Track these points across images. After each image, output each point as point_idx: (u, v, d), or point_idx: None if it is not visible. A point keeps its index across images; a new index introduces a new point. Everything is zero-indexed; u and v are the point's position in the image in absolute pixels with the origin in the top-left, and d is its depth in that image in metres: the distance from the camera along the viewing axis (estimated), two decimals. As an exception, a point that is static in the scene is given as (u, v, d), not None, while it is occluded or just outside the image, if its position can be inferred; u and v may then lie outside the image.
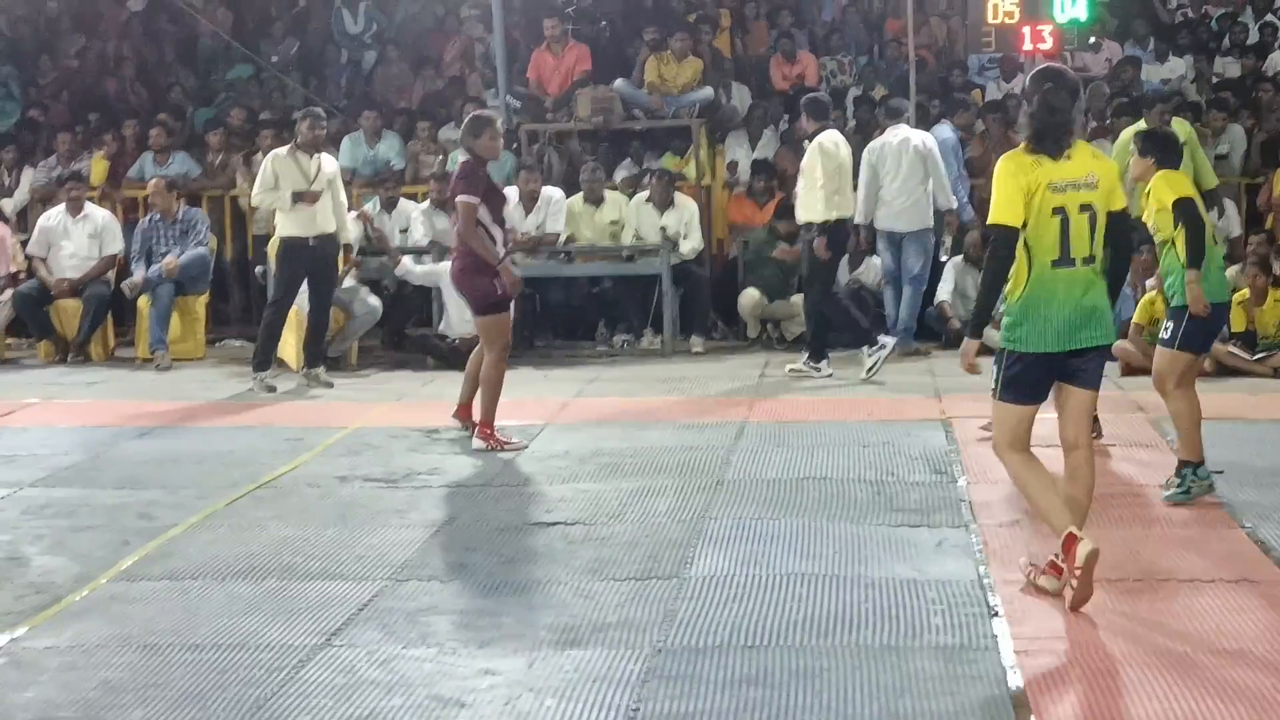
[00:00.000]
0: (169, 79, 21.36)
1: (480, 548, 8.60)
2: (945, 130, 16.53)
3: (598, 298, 17.08)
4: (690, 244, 16.45)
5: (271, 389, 13.95)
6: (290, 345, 14.81)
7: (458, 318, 14.71)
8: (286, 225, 14.15)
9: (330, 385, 14.16)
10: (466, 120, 11.63)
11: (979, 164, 16.79)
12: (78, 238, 16.68)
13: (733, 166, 18.20)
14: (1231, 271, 13.61)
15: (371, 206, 16.51)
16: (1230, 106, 17.68)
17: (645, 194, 16.77)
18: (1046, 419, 7.72)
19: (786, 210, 16.10)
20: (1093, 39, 19.72)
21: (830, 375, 14.20)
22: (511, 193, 16.34)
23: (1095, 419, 10.97)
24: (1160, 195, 9.33)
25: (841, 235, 14.37)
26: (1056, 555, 7.48)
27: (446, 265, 12.83)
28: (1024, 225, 7.36)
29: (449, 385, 12.29)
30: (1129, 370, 13.65)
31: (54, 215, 16.87)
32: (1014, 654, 6.71)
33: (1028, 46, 16.88)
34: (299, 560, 8.43)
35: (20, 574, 8.30)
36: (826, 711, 6.14)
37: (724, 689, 6.39)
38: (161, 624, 7.40)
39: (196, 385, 14.59)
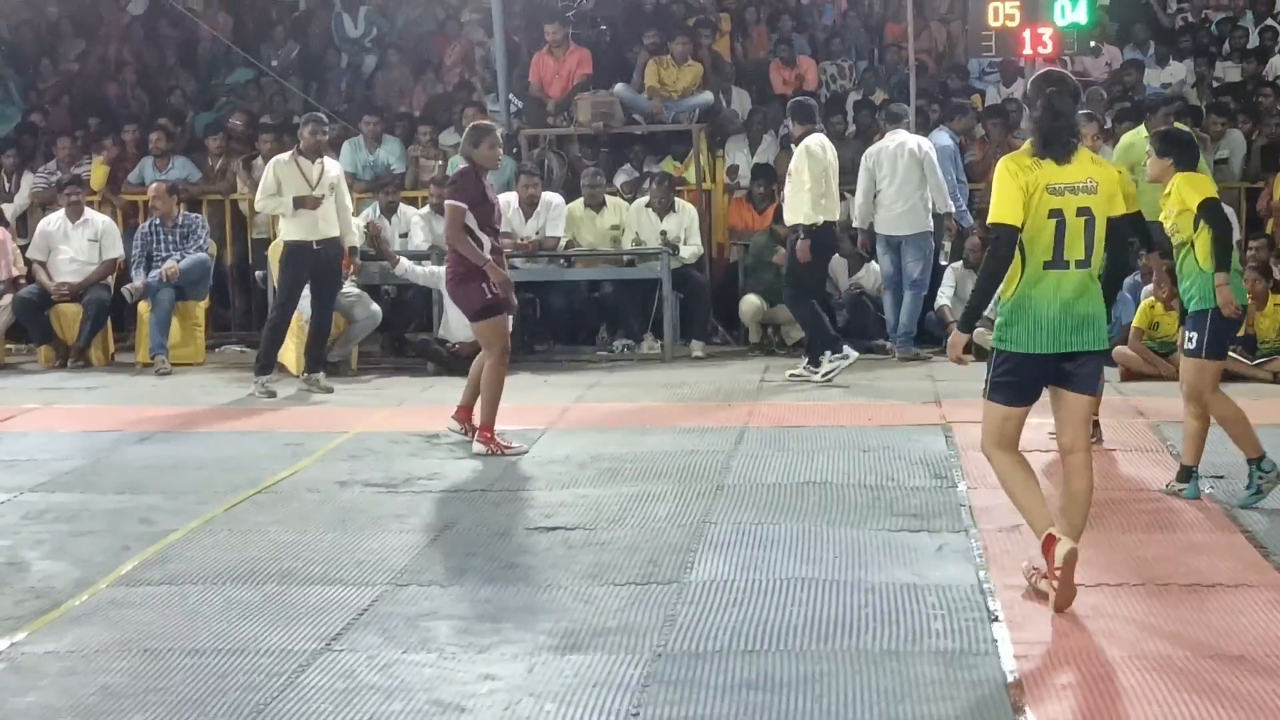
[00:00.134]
0: (169, 83, 21.35)
1: (480, 552, 8.60)
2: (944, 137, 16.53)
3: (598, 302, 17.09)
4: (690, 249, 16.46)
5: (271, 394, 13.96)
6: (290, 350, 14.82)
7: (458, 323, 14.69)
8: (290, 230, 14.18)
9: (330, 390, 14.16)
10: (467, 129, 11.68)
11: (979, 168, 16.80)
12: (78, 242, 16.68)
13: (733, 171, 18.20)
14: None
15: (371, 211, 16.50)
16: (1230, 111, 17.69)
17: (645, 199, 16.77)
18: (1046, 423, 7.72)
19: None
20: (1093, 43, 19.71)
21: (826, 378, 14.18)
22: (511, 198, 16.38)
23: (1096, 424, 10.99)
24: (1184, 196, 9.29)
25: (827, 238, 14.36)
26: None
27: (446, 268, 12.84)
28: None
29: (449, 390, 12.29)
30: (1129, 375, 13.66)
31: (54, 220, 16.87)
32: (1014, 659, 6.71)
33: (1028, 50, 16.86)
34: (299, 565, 8.43)
35: (20, 579, 8.29)
36: (827, 716, 6.14)
37: (724, 694, 6.39)
38: (161, 629, 7.40)
39: (196, 390, 14.59)
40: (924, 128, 17.17)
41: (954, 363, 7.77)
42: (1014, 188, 7.38)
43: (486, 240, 11.30)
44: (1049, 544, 7.31)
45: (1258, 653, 6.76)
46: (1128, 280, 13.67)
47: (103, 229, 16.84)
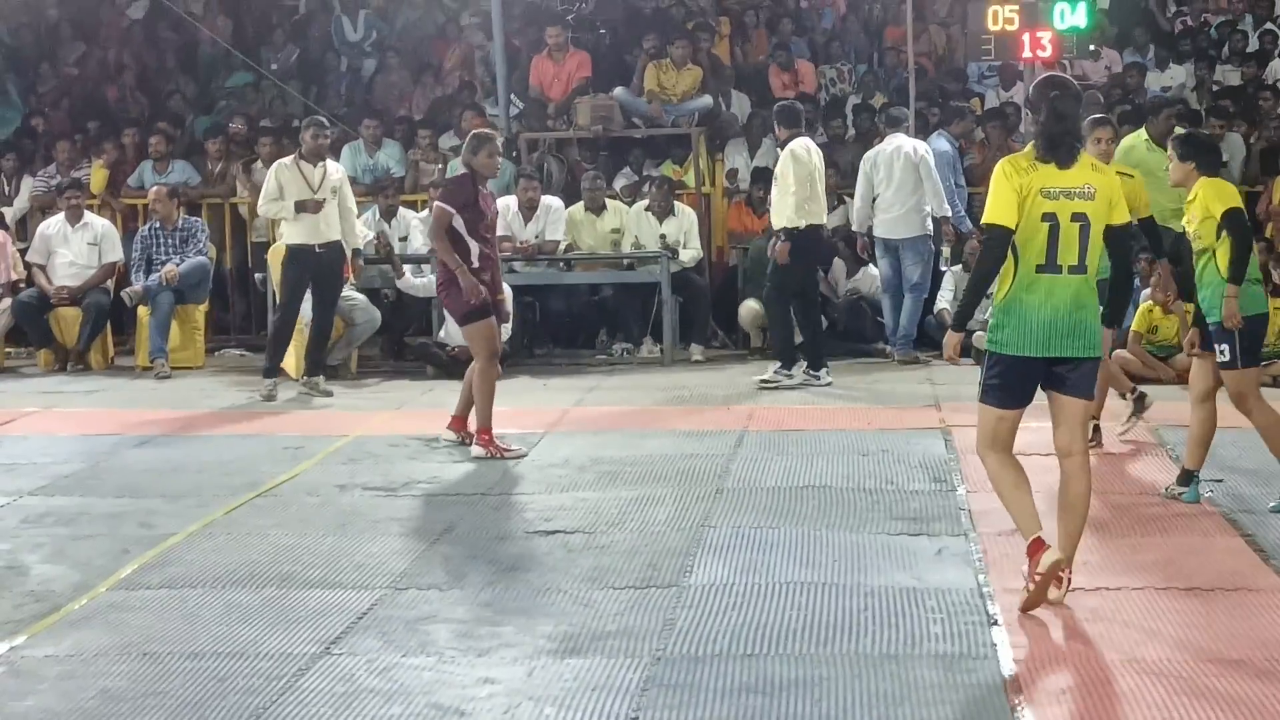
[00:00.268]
0: (169, 87, 21.33)
1: (480, 556, 8.60)
2: (942, 143, 16.53)
3: (597, 306, 17.08)
4: (690, 252, 16.46)
5: (271, 398, 13.95)
6: (290, 354, 14.81)
7: (457, 327, 14.70)
8: (291, 233, 14.19)
9: (330, 394, 14.16)
10: (468, 136, 11.76)
11: (979, 171, 16.79)
12: (77, 246, 16.68)
13: (732, 174, 18.19)
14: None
15: (371, 214, 16.50)
16: (1229, 114, 17.68)
17: (645, 202, 16.77)
18: (1048, 426, 7.72)
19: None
20: (1092, 47, 19.70)
21: (799, 385, 14.17)
22: (510, 201, 16.38)
23: (1097, 428, 11.00)
24: (1209, 204, 9.26)
25: (811, 242, 14.33)
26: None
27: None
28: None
29: (448, 394, 12.29)
30: (1129, 378, 13.63)
31: (53, 223, 16.87)
32: (1013, 663, 6.72)
33: (1027, 54, 16.85)
34: (298, 569, 8.43)
35: (20, 582, 8.30)
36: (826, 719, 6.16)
37: (723, 697, 6.39)
38: (161, 632, 7.40)
39: (196, 394, 14.58)
40: (923, 131, 17.18)
41: (948, 361, 7.80)
42: (1008, 189, 7.39)
43: (475, 246, 11.36)
44: (1036, 548, 7.34)
45: (1257, 656, 6.76)
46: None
47: (102, 232, 16.84)
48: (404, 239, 16.50)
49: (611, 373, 15.54)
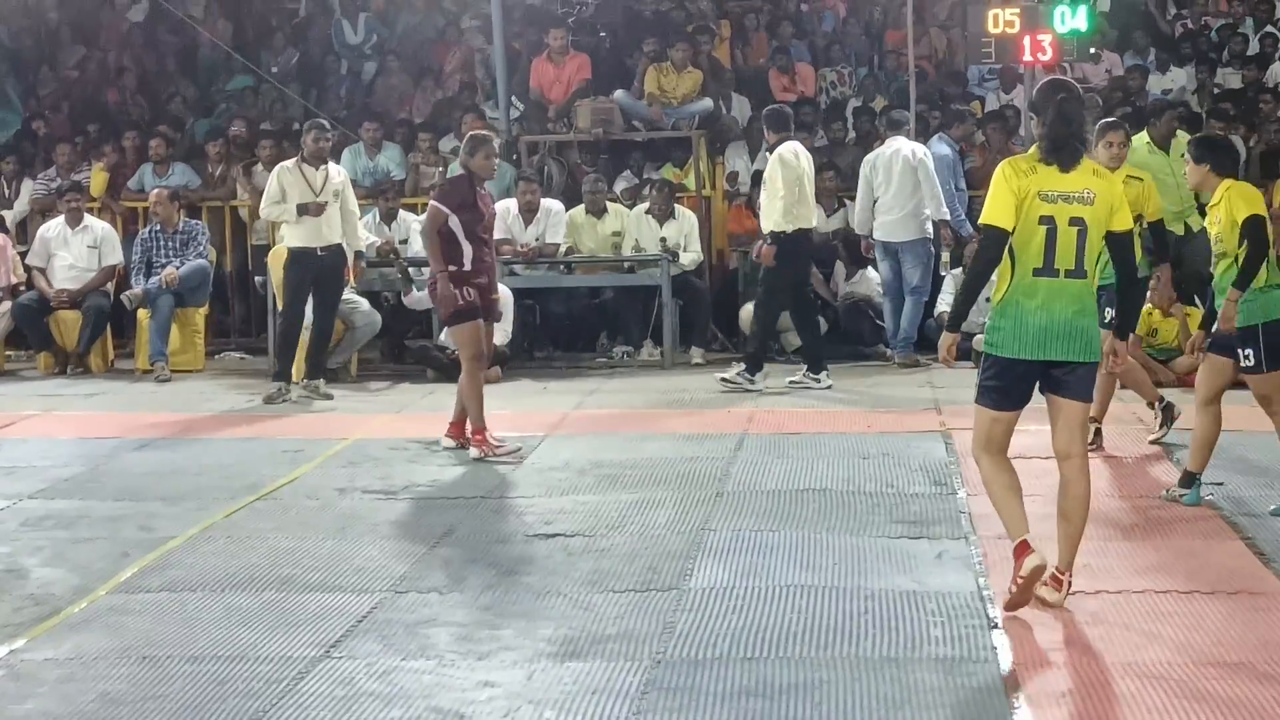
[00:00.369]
0: (169, 90, 21.35)
1: (479, 559, 8.60)
2: (942, 147, 16.53)
3: (598, 309, 17.08)
4: (690, 255, 16.45)
5: (273, 400, 13.96)
6: (290, 358, 14.82)
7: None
8: (293, 236, 14.20)
9: (330, 397, 14.15)
10: (466, 138, 11.83)
11: (980, 174, 16.79)
12: (77, 249, 16.67)
13: (733, 178, 18.19)
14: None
15: (371, 218, 16.50)
16: (1229, 117, 17.67)
17: (645, 205, 16.77)
18: (1045, 430, 7.71)
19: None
20: (1092, 50, 19.71)
21: (759, 391, 14.16)
22: (510, 204, 16.39)
23: (1098, 430, 10.99)
24: (1234, 209, 9.26)
25: (799, 246, 14.30)
26: (1057, 567, 7.51)
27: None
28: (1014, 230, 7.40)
29: (448, 397, 12.28)
30: (1128, 382, 13.62)
31: (53, 226, 16.86)
32: (1013, 666, 6.72)
33: (1027, 57, 16.84)
34: (298, 572, 8.43)
35: (19, 586, 8.29)
36: (826, 723, 6.16)
37: (723, 701, 6.39)
38: (160, 636, 7.40)
39: (196, 397, 14.58)
40: (924, 134, 17.18)
41: (942, 362, 7.80)
42: (1006, 191, 7.39)
43: (469, 248, 11.40)
44: (1021, 550, 7.35)
45: (1257, 660, 6.75)
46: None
47: (102, 235, 16.84)
48: (404, 242, 16.49)
49: (612, 376, 15.53)
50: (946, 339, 7.75)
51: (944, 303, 15.85)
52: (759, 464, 10.98)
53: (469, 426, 11.50)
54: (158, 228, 16.52)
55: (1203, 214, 14.02)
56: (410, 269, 15.76)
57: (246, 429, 12.90)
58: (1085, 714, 6.23)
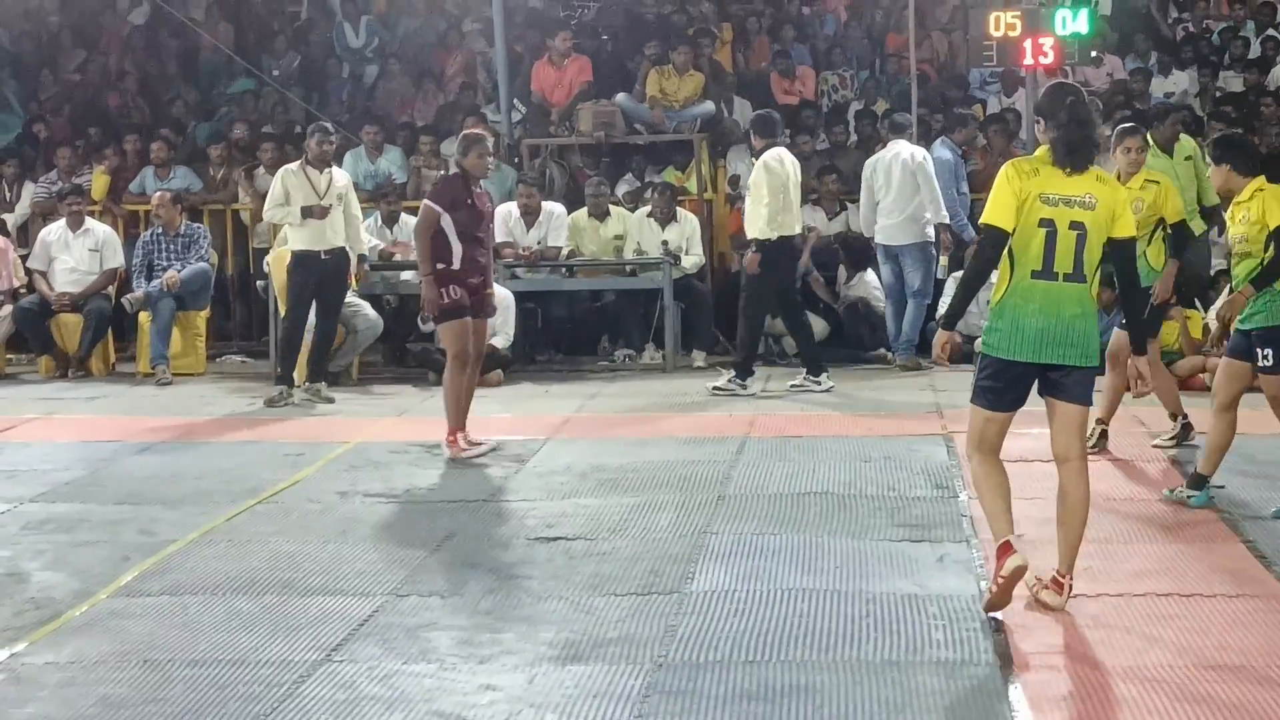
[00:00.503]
0: (170, 93, 21.36)
1: (481, 563, 8.59)
2: (943, 151, 16.53)
3: (600, 312, 17.08)
4: (692, 258, 16.45)
5: (274, 403, 13.95)
6: (290, 361, 14.83)
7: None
8: (297, 240, 14.21)
9: (331, 400, 14.15)
10: (460, 137, 11.88)
11: (981, 177, 16.79)
12: (78, 252, 16.68)
13: (734, 181, 18.17)
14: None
15: (373, 221, 16.51)
16: (1231, 120, 17.65)
17: (647, 208, 16.77)
18: (1047, 433, 7.71)
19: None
20: (1094, 53, 19.70)
21: (752, 395, 14.15)
22: (513, 208, 16.39)
23: (1104, 432, 10.99)
24: (1268, 213, 9.24)
25: (783, 253, 14.28)
26: (1058, 570, 7.51)
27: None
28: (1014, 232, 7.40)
29: (450, 400, 12.28)
30: (1129, 385, 13.61)
31: (55, 229, 16.87)
32: (1015, 669, 6.71)
33: (1029, 61, 16.84)
34: (299, 576, 8.42)
35: (20, 589, 8.29)
36: (827, 727, 6.15)
37: (725, 704, 6.38)
38: (161, 640, 7.39)
39: (197, 400, 14.58)
40: (925, 138, 17.18)
41: (936, 360, 7.80)
42: (1008, 192, 7.39)
43: (460, 247, 11.46)
44: (1004, 551, 7.36)
45: (1258, 663, 6.75)
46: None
47: (103, 239, 16.84)
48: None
49: (613, 379, 15.53)
50: (941, 336, 7.74)
51: (945, 306, 15.84)
52: (760, 467, 10.97)
53: (473, 431, 11.55)
54: (159, 231, 16.52)
55: (1204, 217, 14.06)
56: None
57: (248, 432, 12.90)
58: (1086, 717, 6.22)
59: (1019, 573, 7.30)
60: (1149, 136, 14.60)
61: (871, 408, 13.45)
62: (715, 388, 14.24)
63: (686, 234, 16.50)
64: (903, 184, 15.56)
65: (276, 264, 15.19)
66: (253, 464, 11.47)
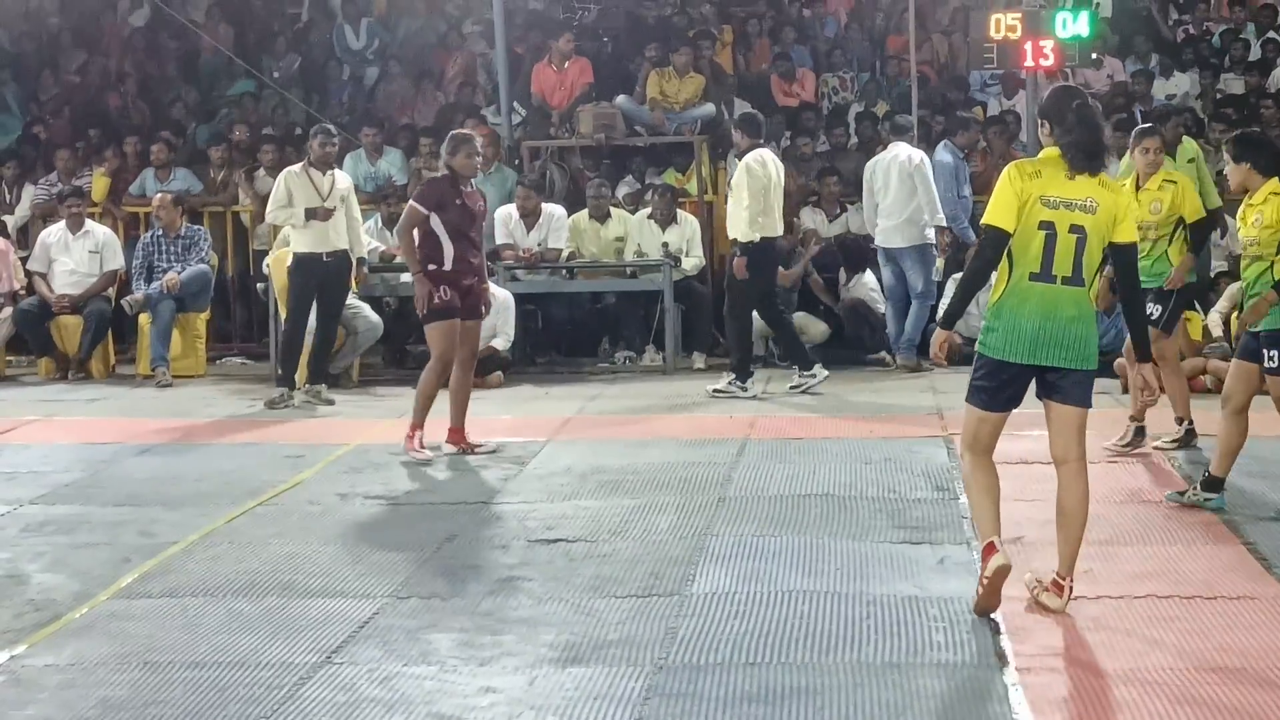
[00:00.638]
0: (171, 95, 21.35)
1: (481, 565, 8.59)
2: (944, 154, 16.54)
3: (600, 314, 17.08)
4: (692, 260, 16.45)
5: (275, 405, 13.95)
6: (290, 363, 14.82)
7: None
8: (299, 242, 14.20)
9: (332, 402, 14.15)
10: (447, 137, 11.92)
11: (981, 180, 16.79)
12: (78, 254, 16.68)
13: (735, 183, 18.18)
14: (1235, 288, 13.59)
15: (373, 223, 16.50)
16: (1231, 121, 17.65)
17: (647, 210, 16.77)
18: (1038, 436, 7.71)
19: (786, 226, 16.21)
20: (1094, 55, 19.70)
21: (754, 397, 14.15)
22: (513, 210, 16.40)
23: (1140, 430, 10.94)
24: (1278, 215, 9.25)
25: (765, 255, 14.28)
26: (1058, 573, 7.51)
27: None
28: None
29: (449, 402, 12.26)
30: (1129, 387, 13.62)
31: (54, 231, 16.87)
32: (1016, 671, 6.71)
33: (1029, 63, 16.84)
34: (299, 578, 8.42)
35: (20, 591, 8.28)
36: (828, 729, 6.15)
37: (725, 706, 6.38)
38: (161, 642, 7.38)
39: (197, 402, 14.58)
40: (925, 140, 17.18)
41: (934, 359, 7.80)
42: (1010, 193, 7.39)
43: (451, 248, 11.48)
44: (988, 552, 7.38)
45: (1259, 665, 6.75)
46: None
47: (103, 240, 16.84)
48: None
49: (613, 381, 15.53)
50: (940, 336, 7.75)
51: (944, 307, 15.84)
52: (761, 469, 10.97)
53: (471, 435, 11.56)
54: (159, 232, 16.52)
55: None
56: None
57: (248, 434, 12.89)
58: (1086, 719, 6.22)
59: (1002, 572, 7.30)
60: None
61: (872, 410, 13.45)
62: (715, 390, 14.24)
63: (687, 236, 16.51)
64: (900, 186, 15.57)
65: (276, 266, 15.19)
66: (253, 466, 11.47)
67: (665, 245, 16.29)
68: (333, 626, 7.51)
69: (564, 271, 16.59)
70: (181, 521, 9.69)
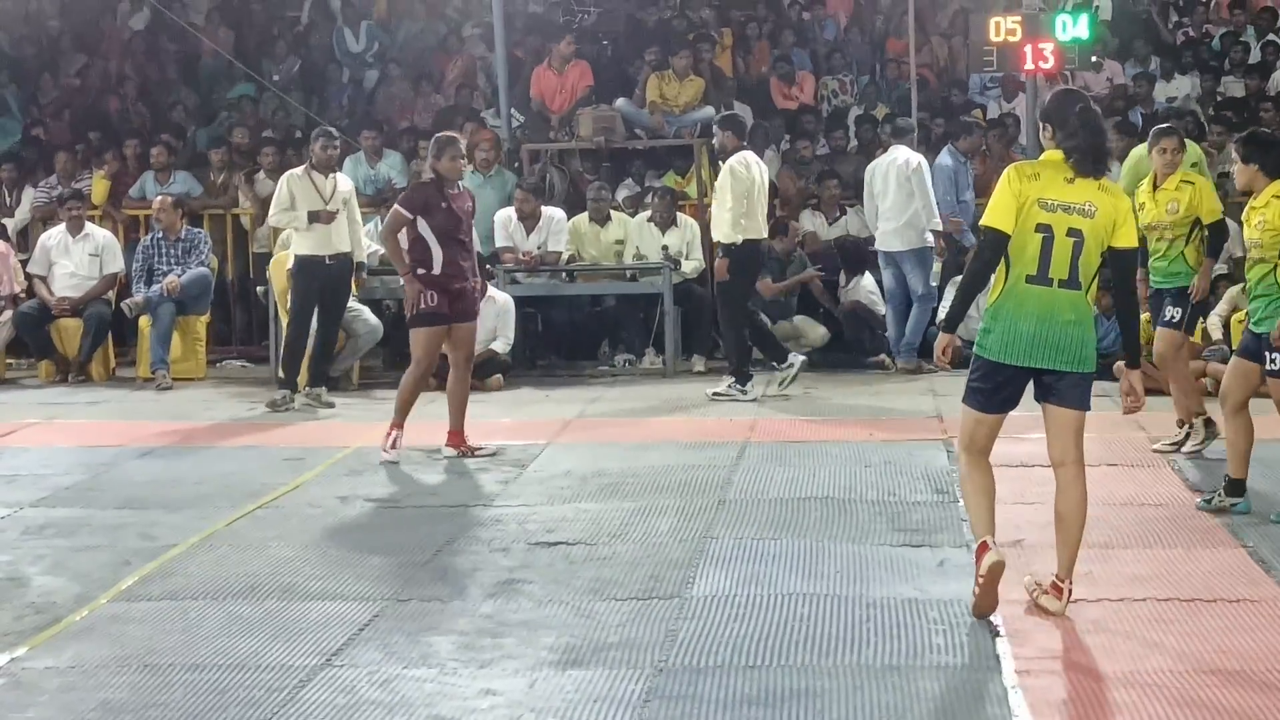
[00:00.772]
0: (170, 98, 21.34)
1: (481, 568, 8.59)
2: (945, 158, 16.55)
3: (600, 317, 17.08)
4: (692, 263, 16.46)
5: (278, 407, 13.95)
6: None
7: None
8: (301, 245, 14.20)
9: (332, 405, 14.16)
10: (432, 140, 11.93)
11: (980, 182, 16.79)
12: (78, 257, 16.67)
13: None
14: (1234, 290, 13.60)
15: (373, 226, 16.49)
16: (1230, 124, 17.65)
17: (647, 213, 16.77)
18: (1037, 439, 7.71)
19: (781, 229, 16.22)
20: (1094, 58, 19.70)
21: (755, 400, 14.15)
22: (512, 213, 16.39)
23: (1211, 421, 10.88)
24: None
25: (748, 257, 14.28)
26: (1057, 575, 7.52)
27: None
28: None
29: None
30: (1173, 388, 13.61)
31: (54, 234, 16.86)
32: (1015, 674, 6.71)
33: (1029, 66, 16.85)
34: (299, 580, 8.42)
35: (20, 594, 8.29)
36: (828, 732, 6.15)
37: (725, 709, 6.38)
38: (162, 644, 7.39)
39: (197, 405, 14.59)
40: (925, 143, 17.18)
41: (937, 363, 7.80)
42: (1009, 195, 7.40)
43: (440, 251, 11.50)
44: (981, 551, 7.39)
45: (1259, 668, 6.75)
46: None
47: (103, 244, 16.84)
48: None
49: (613, 384, 15.54)
50: (943, 340, 7.75)
51: (944, 310, 15.85)
52: (761, 472, 10.97)
53: (471, 438, 11.57)
54: (160, 235, 16.52)
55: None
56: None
57: (248, 437, 12.90)
58: (1087, 722, 6.24)
59: (996, 570, 7.31)
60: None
61: (871, 413, 13.44)
62: (715, 393, 14.24)
63: (686, 239, 16.51)
64: (899, 190, 15.58)
65: (276, 268, 15.19)
66: (253, 469, 11.47)
67: (665, 248, 16.30)
68: (333, 629, 7.52)
69: (564, 274, 16.60)
70: (182, 524, 9.69)
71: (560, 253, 16.45)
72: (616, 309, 16.85)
